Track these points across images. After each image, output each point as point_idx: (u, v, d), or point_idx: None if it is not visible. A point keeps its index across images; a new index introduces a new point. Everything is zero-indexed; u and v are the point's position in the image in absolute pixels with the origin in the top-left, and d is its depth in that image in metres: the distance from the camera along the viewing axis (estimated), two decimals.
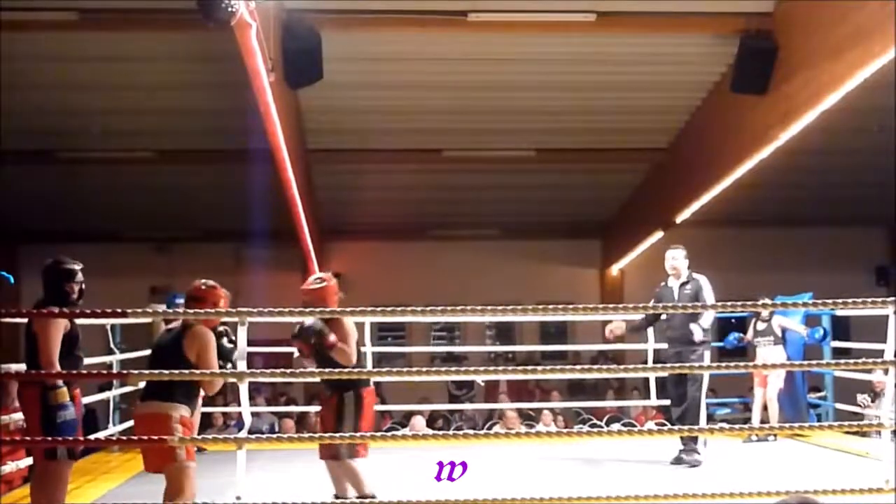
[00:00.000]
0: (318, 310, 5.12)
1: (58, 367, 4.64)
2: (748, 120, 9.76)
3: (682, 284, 7.01)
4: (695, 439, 6.85)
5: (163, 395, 4.54)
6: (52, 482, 4.78)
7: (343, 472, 5.10)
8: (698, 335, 6.79)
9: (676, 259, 7.05)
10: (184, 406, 4.57)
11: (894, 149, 10.70)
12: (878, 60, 7.28)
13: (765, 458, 7.23)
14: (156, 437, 4.38)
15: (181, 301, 8.16)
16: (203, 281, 4.86)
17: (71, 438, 4.71)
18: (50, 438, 4.61)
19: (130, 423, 7.89)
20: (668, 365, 7.11)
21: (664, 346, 7.23)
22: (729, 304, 6.72)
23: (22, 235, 14.70)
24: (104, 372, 4.51)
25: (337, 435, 4.98)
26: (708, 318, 6.83)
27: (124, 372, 4.48)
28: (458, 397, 13.79)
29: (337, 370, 4.92)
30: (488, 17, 8.90)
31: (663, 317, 7.08)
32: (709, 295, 6.90)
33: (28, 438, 4.75)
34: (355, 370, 5.06)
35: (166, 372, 4.34)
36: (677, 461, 6.85)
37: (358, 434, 4.98)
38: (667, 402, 10.63)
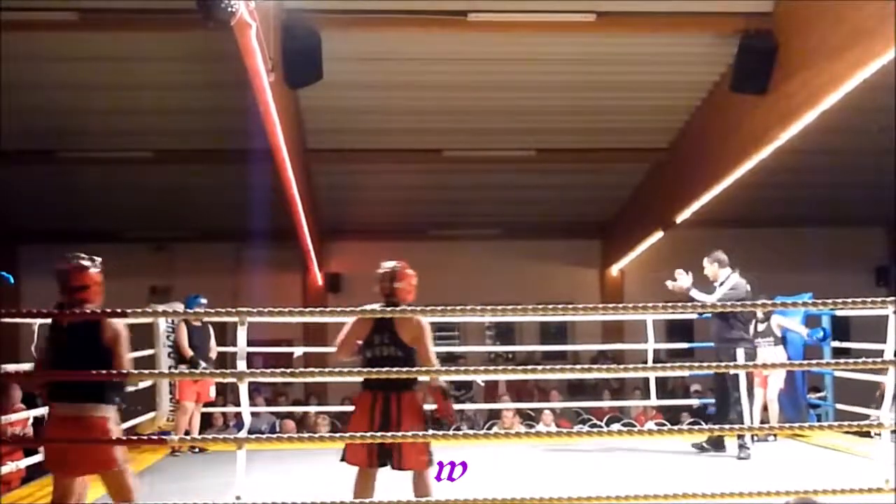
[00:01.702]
0: (320, 310, 5.09)
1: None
2: (748, 120, 9.76)
3: (721, 284, 7.40)
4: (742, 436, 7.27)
5: (96, 394, 4.36)
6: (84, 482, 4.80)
7: None
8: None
9: (705, 268, 7.53)
10: (115, 406, 4.45)
11: (894, 149, 10.70)
12: (878, 60, 7.28)
13: (765, 458, 7.23)
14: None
15: (204, 301, 8.20)
16: (72, 264, 4.56)
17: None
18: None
19: (130, 423, 7.93)
20: (668, 364, 7.23)
21: (664, 346, 7.39)
22: (728, 303, 6.76)
23: (22, 235, 14.71)
24: (104, 372, 4.49)
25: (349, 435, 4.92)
26: (699, 295, 7.24)
27: (124, 372, 4.46)
28: (455, 398, 13.78)
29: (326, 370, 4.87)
30: (488, 17, 8.90)
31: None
32: (720, 290, 7.31)
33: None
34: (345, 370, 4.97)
35: (167, 371, 4.33)
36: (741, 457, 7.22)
37: (350, 434, 4.93)
38: (666, 402, 10.78)
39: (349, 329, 4.99)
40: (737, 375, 7.19)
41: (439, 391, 4.86)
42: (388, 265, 5.07)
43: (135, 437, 4.62)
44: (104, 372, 4.37)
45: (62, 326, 4.50)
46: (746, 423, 7.19)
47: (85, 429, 4.34)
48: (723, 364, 7.10)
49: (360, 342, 4.94)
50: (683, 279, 7.27)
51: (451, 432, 4.74)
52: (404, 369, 4.68)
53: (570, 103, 11.22)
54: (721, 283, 7.37)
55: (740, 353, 7.19)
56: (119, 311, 4.56)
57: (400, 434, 4.66)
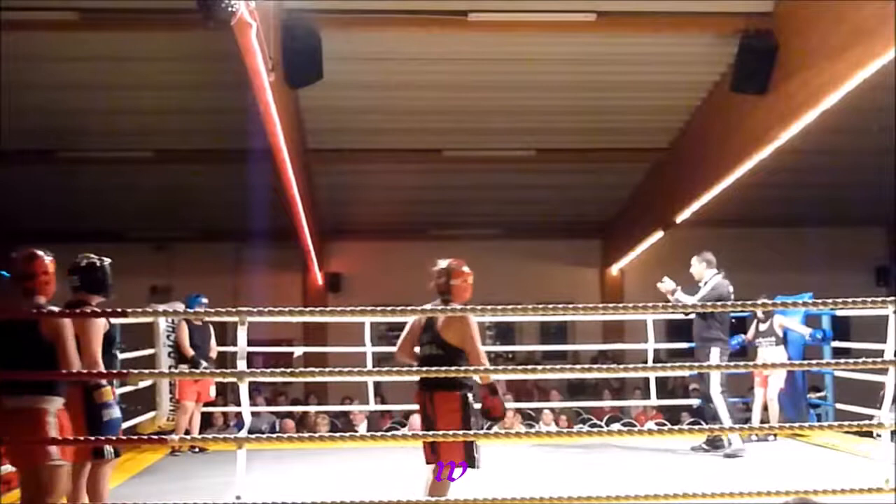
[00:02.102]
0: (320, 310, 5.08)
1: (102, 367, 4.63)
2: (748, 120, 9.76)
3: (704, 284, 7.54)
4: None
5: (38, 387, 4.31)
6: (99, 481, 4.81)
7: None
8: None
9: (693, 266, 7.66)
10: (59, 398, 4.40)
11: (894, 149, 10.71)
12: (878, 60, 7.28)
13: (765, 458, 7.23)
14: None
15: (205, 301, 8.22)
16: (22, 252, 4.51)
17: (114, 437, 4.71)
18: (93, 437, 4.59)
19: (131, 422, 7.93)
20: (668, 364, 7.29)
21: (664, 346, 7.50)
22: (728, 303, 6.76)
23: (22, 235, 14.69)
24: (104, 371, 4.49)
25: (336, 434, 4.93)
26: (683, 297, 7.35)
27: (124, 371, 4.47)
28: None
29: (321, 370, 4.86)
30: (488, 17, 8.90)
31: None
32: (702, 291, 7.45)
33: (76, 438, 4.59)
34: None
35: (167, 371, 4.32)
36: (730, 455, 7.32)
37: (348, 435, 4.95)
38: (666, 402, 10.80)
39: (406, 329, 5.06)
40: (709, 374, 7.28)
41: (487, 388, 4.84)
42: (442, 262, 5.06)
43: (135, 437, 4.60)
44: (104, 371, 4.37)
45: (4, 322, 4.43)
46: (725, 420, 7.22)
47: (21, 421, 4.29)
48: (723, 364, 7.12)
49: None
50: (669, 283, 7.39)
51: (451, 431, 4.70)
52: (441, 368, 4.67)
53: (570, 103, 11.22)
54: (705, 283, 7.48)
55: (715, 352, 7.29)
56: (119, 310, 4.57)
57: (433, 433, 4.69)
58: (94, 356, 4.64)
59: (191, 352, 7.96)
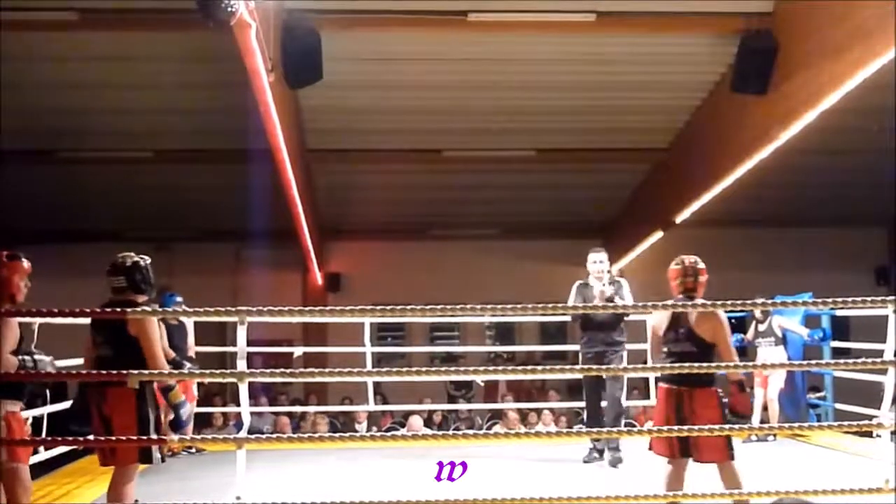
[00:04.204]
0: (320, 309, 5.08)
1: (167, 367, 4.64)
2: (748, 120, 9.77)
3: (606, 285, 7.47)
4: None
5: None
6: (131, 481, 4.79)
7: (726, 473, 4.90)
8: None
9: (603, 262, 7.62)
10: (9, 401, 4.41)
11: (894, 149, 10.71)
12: (879, 60, 7.28)
13: (765, 458, 7.23)
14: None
15: (179, 299, 8.20)
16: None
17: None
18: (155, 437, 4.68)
19: None
20: (667, 365, 7.21)
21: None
22: (728, 303, 6.76)
23: (22, 235, 14.70)
24: (104, 372, 4.49)
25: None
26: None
27: (124, 372, 4.46)
28: (455, 398, 13.77)
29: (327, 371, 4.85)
30: (488, 17, 8.90)
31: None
32: (628, 297, 7.41)
33: (124, 438, 4.57)
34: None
35: (166, 371, 4.32)
36: (591, 459, 7.27)
37: (348, 435, 4.95)
38: None
39: (651, 332, 5.19)
40: (622, 378, 7.48)
41: (737, 385, 4.90)
42: (688, 259, 5.15)
43: (134, 438, 4.60)
44: (99, 372, 4.36)
45: None
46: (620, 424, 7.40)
47: None
48: (722, 364, 7.10)
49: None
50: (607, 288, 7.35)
51: (451, 432, 4.70)
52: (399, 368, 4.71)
53: (570, 103, 11.22)
54: (611, 283, 7.52)
55: (625, 356, 7.41)
56: (119, 311, 4.57)
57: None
58: (159, 358, 4.61)
59: (171, 353, 7.90)
